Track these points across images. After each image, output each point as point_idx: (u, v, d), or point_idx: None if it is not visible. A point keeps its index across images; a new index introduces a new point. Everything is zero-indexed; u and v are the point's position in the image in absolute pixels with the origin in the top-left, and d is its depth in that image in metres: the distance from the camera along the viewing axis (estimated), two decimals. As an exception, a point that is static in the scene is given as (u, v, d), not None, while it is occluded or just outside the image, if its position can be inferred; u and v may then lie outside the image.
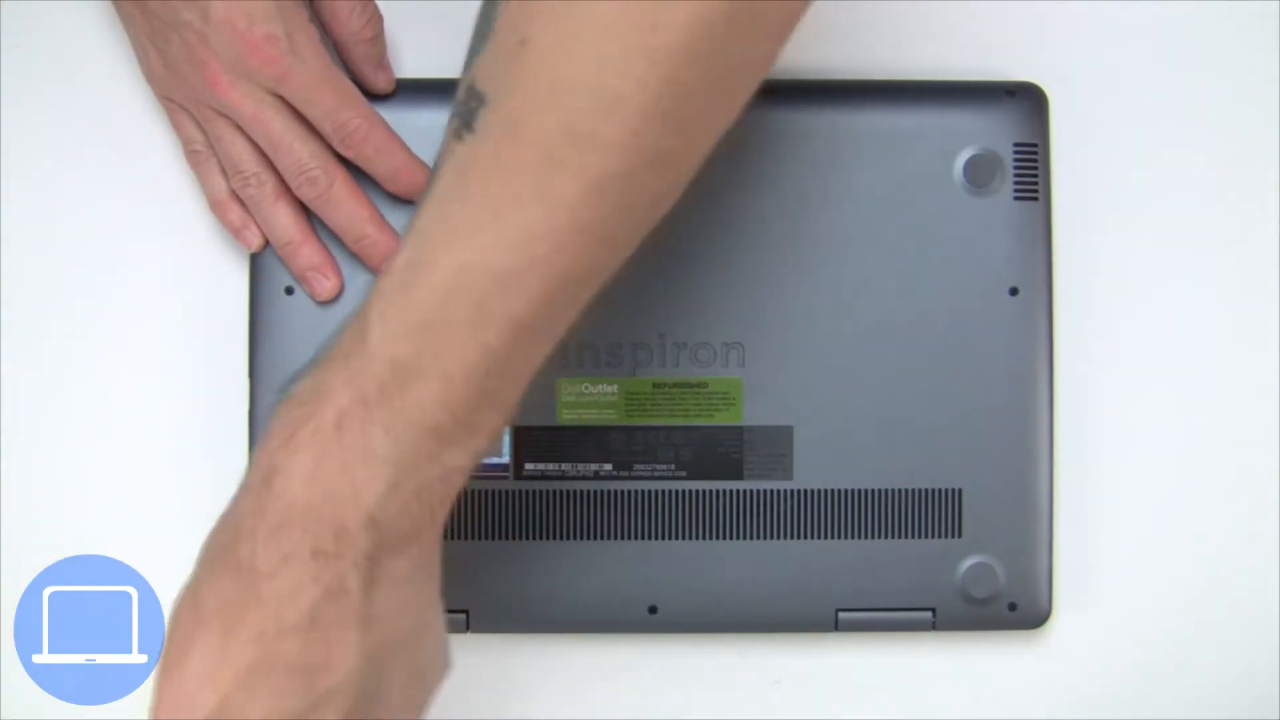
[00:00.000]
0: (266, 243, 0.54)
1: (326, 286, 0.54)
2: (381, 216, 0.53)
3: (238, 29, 0.49)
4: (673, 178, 0.42)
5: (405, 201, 0.54)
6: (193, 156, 0.54)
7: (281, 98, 0.51)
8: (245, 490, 0.42)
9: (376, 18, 0.53)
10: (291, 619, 0.40)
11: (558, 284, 0.40)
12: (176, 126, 0.54)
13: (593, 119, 0.39)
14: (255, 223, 0.54)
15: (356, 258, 0.54)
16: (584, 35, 0.38)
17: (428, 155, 0.53)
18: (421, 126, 0.54)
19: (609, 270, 0.42)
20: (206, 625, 0.40)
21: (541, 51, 0.39)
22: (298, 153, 0.52)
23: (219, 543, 0.41)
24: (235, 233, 0.54)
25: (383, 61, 0.53)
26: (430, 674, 0.45)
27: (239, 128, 0.52)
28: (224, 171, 0.53)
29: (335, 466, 0.40)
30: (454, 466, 0.42)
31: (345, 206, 0.53)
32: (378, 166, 0.52)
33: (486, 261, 0.40)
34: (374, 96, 0.53)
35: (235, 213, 0.54)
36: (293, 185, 0.52)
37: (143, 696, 0.56)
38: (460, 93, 0.41)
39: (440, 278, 0.40)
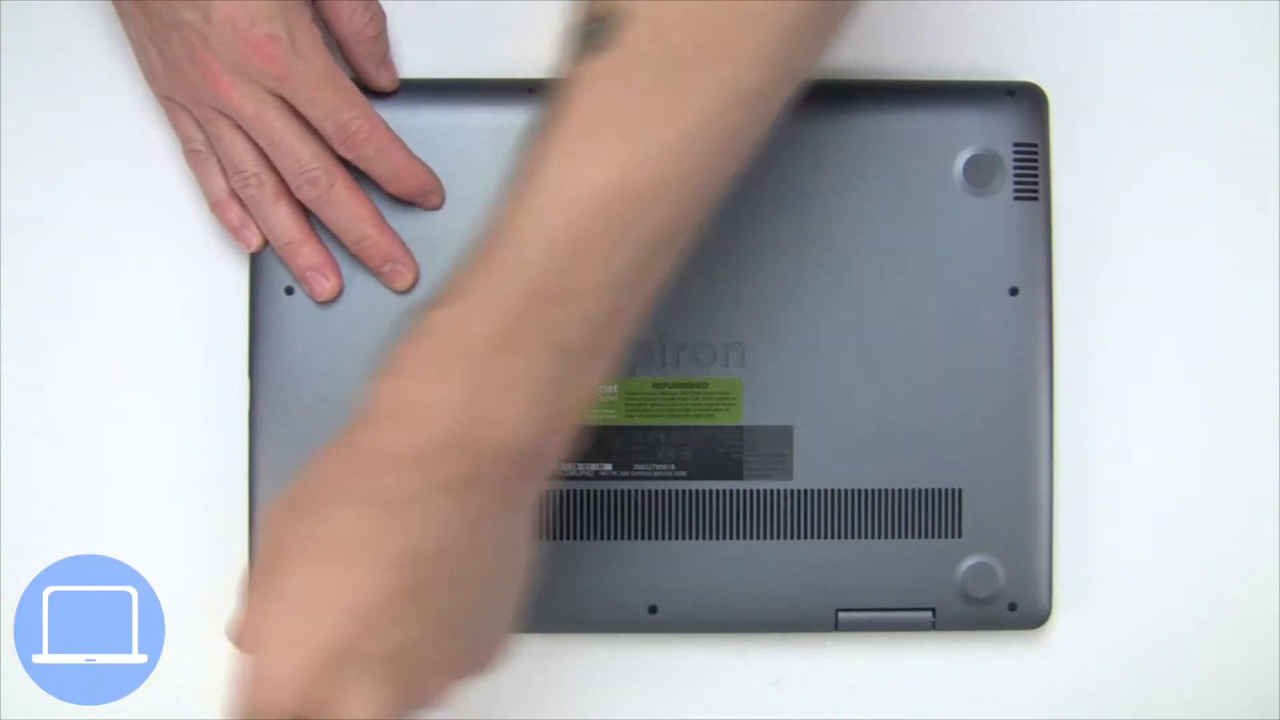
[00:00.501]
0: (265, 243, 0.54)
1: (326, 287, 0.54)
2: (382, 217, 0.53)
3: (239, 28, 0.49)
4: (791, 92, 0.43)
5: (406, 202, 0.54)
6: (192, 156, 0.54)
7: (282, 98, 0.51)
8: (370, 424, 0.41)
9: (379, 16, 0.53)
10: (428, 548, 0.40)
11: (696, 197, 0.41)
12: (176, 126, 0.54)
13: (732, 34, 0.40)
14: (254, 222, 0.54)
15: (356, 258, 0.54)
16: None
17: (429, 155, 0.53)
18: (424, 126, 0.54)
19: (731, 182, 0.43)
20: (326, 557, 0.40)
21: None
22: (298, 153, 0.52)
23: (345, 473, 0.41)
24: (234, 232, 0.54)
25: (385, 60, 0.54)
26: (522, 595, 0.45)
27: (239, 127, 0.52)
28: (223, 171, 0.53)
29: (477, 394, 0.40)
30: (588, 386, 0.42)
31: (345, 207, 0.53)
32: (378, 168, 0.52)
33: (630, 178, 0.40)
34: (377, 94, 0.53)
35: (234, 212, 0.54)
36: (293, 186, 0.52)
37: (143, 696, 0.56)
38: (582, 15, 0.42)
39: (583, 196, 0.40)
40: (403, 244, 0.53)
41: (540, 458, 0.42)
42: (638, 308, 0.42)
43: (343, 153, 0.52)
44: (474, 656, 0.44)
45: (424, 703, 0.43)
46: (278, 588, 0.41)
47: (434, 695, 0.43)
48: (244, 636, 0.42)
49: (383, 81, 0.53)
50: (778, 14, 0.40)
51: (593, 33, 0.41)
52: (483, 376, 0.40)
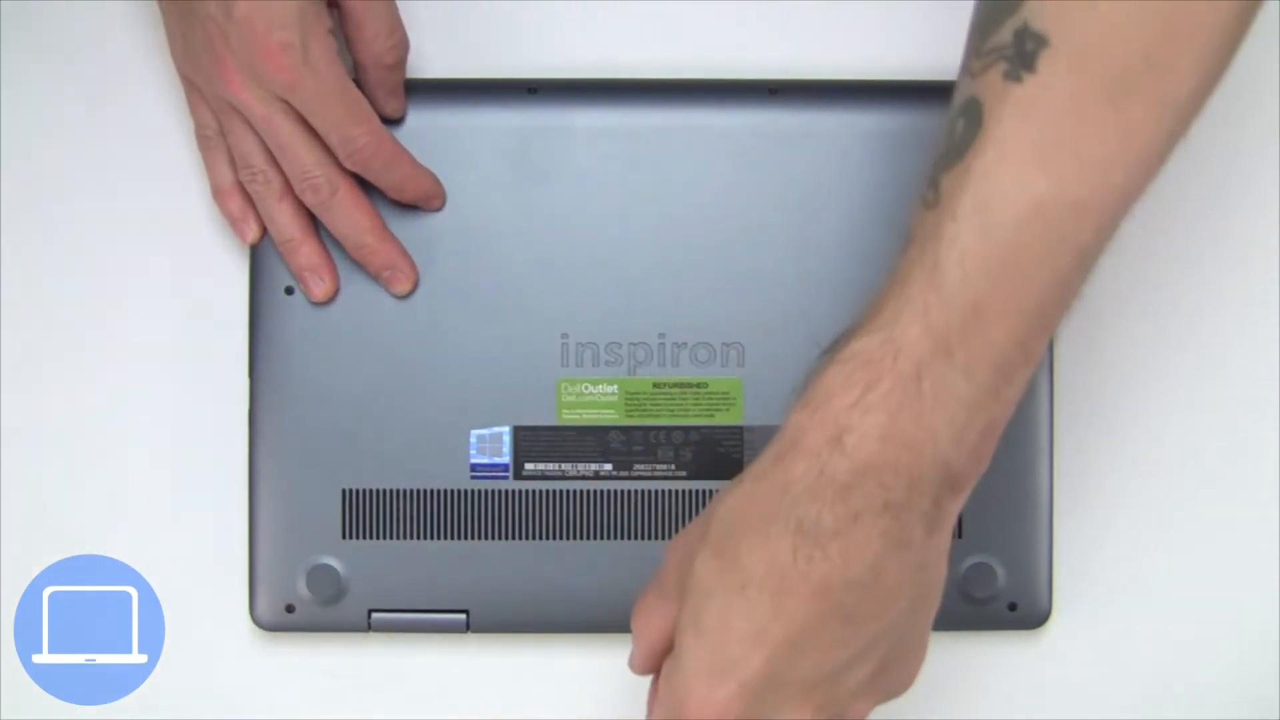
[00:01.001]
0: (262, 236, 0.54)
1: (322, 288, 0.54)
2: (383, 225, 0.53)
3: (256, 31, 0.49)
4: (1211, 95, 0.43)
5: (410, 207, 0.54)
6: (203, 141, 0.54)
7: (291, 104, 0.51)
8: (801, 454, 0.42)
9: (402, 45, 0.53)
10: (856, 574, 0.41)
11: (1124, 205, 0.42)
12: (192, 107, 0.54)
13: (1170, 46, 0.40)
14: (254, 216, 0.54)
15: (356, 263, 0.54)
16: None
17: (429, 155, 0.53)
18: (424, 126, 0.54)
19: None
20: (754, 589, 0.41)
21: None
22: (303, 159, 0.51)
23: (765, 506, 0.42)
24: (233, 223, 0.54)
25: (397, 89, 0.53)
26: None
27: (250, 124, 0.52)
28: (231, 161, 0.53)
29: (912, 418, 0.41)
30: (1010, 399, 0.42)
31: (347, 214, 0.53)
32: (383, 180, 0.52)
33: (1064, 194, 0.40)
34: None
35: (236, 203, 0.54)
36: (296, 190, 0.52)
37: (143, 696, 0.56)
38: (1005, 35, 0.42)
39: (1018, 214, 0.40)
40: (402, 250, 0.54)
41: (966, 477, 0.42)
42: (1063, 313, 0.43)
43: (348, 165, 0.52)
44: (894, 677, 0.45)
45: None
46: (699, 623, 0.43)
47: (857, 717, 0.44)
48: (674, 672, 0.43)
49: (389, 110, 0.53)
50: (1216, 22, 0.40)
51: (1013, 57, 0.41)
52: (917, 401, 0.41)
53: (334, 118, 0.51)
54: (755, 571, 0.41)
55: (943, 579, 0.44)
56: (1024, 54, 0.41)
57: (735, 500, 0.43)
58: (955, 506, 0.43)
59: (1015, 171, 0.41)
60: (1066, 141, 0.41)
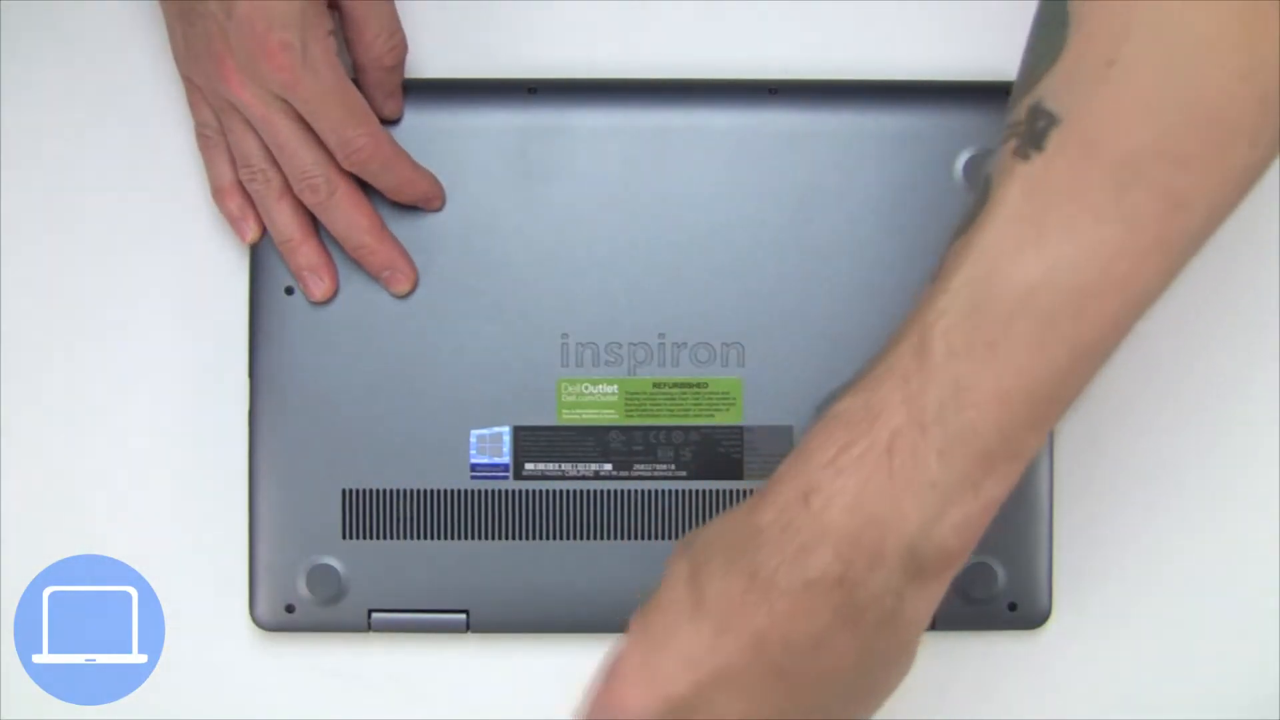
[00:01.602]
0: (261, 235, 0.54)
1: (321, 288, 0.54)
2: (382, 225, 0.53)
3: (256, 30, 0.49)
4: (1244, 193, 0.41)
5: (410, 207, 0.54)
6: (203, 140, 0.54)
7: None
8: (774, 502, 0.41)
9: (401, 47, 0.53)
10: (798, 640, 0.40)
11: (1130, 304, 0.40)
12: (192, 106, 0.54)
13: (1182, 138, 0.39)
14: (254, 215, 0.54)
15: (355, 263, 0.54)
16: (1179, 55, 0.38)
17: (429, 155, 0.53)
18: (424, 126, 0.54)
19: (1168, 288, 0.41)
20: (703, 616, 0.41)
21: (1131, 72, 0.39)
22: (301, 159, 0.51)
23: (736, 541, 0.41)
24: (232, 222, 0.54)
25: (395, 91, 0.53)
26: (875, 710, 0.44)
27: (250, 124, 0.52)
28: (231, 160, 0.53)
29: (881, 491, 0.40)
30: (992, 498, 0.40)
31: (345, 214, 0.53)
32: (381, 181, 0.53)
33: (1060, 279, 0.39)
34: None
35: (235, 202, 0.54)
36: (295, 189, 0.52)
37: (143, 696, 0.56)
38: (1020, 112, 0.41)
39: (1010, 296, 0.39)
40: (401, 250, 0.54)
41: (935, 572, 0.41)
42: (1058, 412, 0.41)
43: (346, 167, 0.52)
44: None
45: None
46: (649, 621, 0.42)
47: None
48: (614, 661, 0.43)
49: (387, 112, 0.53)
50: (1234, 117, 0.39)
51: (1024, 134, 0.40)
52: (888, 474, 0.40)
53: (332, 118, 0.51)
54: (709, 598, 0.41)
55: (901, 675, 0.43)
56: (1035, 132, 0.40)
57: (718, 526, 0.43)
58: (922, 605, 0.41)
59: (1012, 251, 0.39)
60: (1065, 224, 0.39)
